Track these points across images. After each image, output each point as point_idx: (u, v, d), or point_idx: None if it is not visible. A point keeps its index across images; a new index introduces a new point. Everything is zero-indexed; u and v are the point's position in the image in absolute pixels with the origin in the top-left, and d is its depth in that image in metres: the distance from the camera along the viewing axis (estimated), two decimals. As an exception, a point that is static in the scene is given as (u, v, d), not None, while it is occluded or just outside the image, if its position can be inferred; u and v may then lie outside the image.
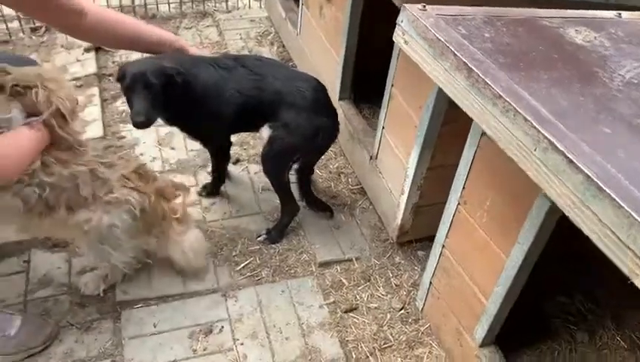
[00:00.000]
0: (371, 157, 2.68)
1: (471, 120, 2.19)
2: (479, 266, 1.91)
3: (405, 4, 1.45)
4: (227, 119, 2.39)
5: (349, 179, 2.96)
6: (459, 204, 1.94)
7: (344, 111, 2.92)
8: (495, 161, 1.73)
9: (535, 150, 1.10)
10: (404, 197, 2.39)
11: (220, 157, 2.68)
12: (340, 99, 2.91)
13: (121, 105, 3.31)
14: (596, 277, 2.50)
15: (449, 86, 1.33)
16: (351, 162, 2.97)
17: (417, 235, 2.61)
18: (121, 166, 2.08)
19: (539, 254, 1.70)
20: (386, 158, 2.54)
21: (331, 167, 3.02)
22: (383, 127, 2.50)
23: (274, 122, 2.35)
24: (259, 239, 2.60)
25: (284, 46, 3.86)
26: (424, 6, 1.43)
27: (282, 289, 2.42)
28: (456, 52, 1.29)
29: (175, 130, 3.09)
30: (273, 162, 2.42)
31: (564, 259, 2.32)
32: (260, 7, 4.34)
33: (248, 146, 3.12)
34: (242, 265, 2.50)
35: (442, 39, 1.32)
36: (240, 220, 2.71)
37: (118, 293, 2.30)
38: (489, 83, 1.19)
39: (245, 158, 3.04)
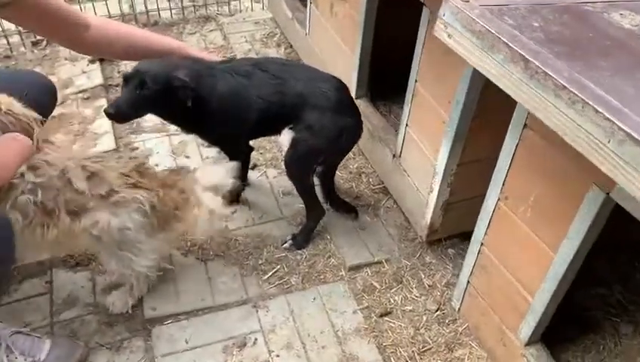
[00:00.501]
0: (394, 156, 2.62)
1: (503, 112, 2.14)
2: (523, 263, 1.85)
3: (447, -4, 1.39)
4: (248, 126, 2.33)
5: (370, 179, 2.90)
6: (499, 199, 1.87)
7: (362, 109, 2.83)
8: (539, 154, 1.67)
9: (609, 142, 1.04)
10: (434, 195, 2.32)
11: (241, 164, 2.61)
12: (357, 97, 2.85)
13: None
14: (632, 266, 2.45)
15: (503, 79, 1.26)
16: (371, 161, 2.91)
17: (447, 233, 2.55)
18: (119, 165, 1.96)
19: (589, 248, 1.64)
20: (410, 156, 2.47)
21: (351, 167, 2.96)
22: (407, 125, 2.44)
23: (297, 125, 2.29)
24: (284, 246, 2.54)
25: (291, 46, 3.79)
26: (468, -3, 1.37)
27: (313, 296, 2.36)
28: (509, 43, 1.22)
29: (188, 137, 3.06)
30: (298, 165, 2.35)
31: (596, 248, 2.27)
32: (263, 8, 4.27)
33: (264, 150, 3.05)
34: (270, 273, 2.43)
35: (493, 30, 1.26)
36: (263, 227, 2.65)
37: (146, 310, 2.24)
38: (550, 74, 1.13)
39: (262, 163, 2.98)
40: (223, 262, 2.47)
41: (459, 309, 2.29)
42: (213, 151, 3.01)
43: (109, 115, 2.14)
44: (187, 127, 2.42)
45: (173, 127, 3.04)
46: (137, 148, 3.03)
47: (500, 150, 2.24)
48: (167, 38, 2.32)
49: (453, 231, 2.56)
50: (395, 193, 2.71)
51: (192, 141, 3.10)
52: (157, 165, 2.92)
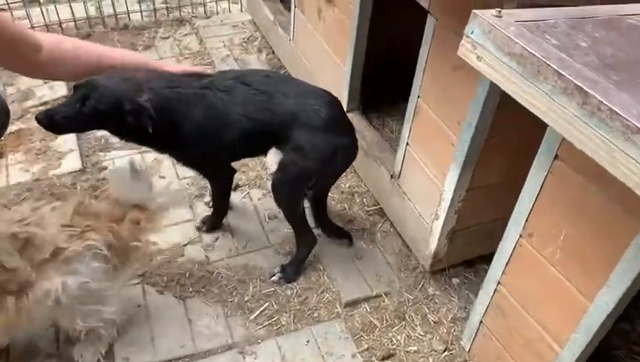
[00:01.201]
0: (392, 176, 2.38)
1: (518, 132, 1.91)
2: (550, 309, 1.63)
3: (477, 11, 1.14)
4: (229, 147, 2.07)
5: (365, 200, 2.66)
6: (521, 236, 1.65)
7: (355, 124, 2.58)
8: (572, 188, 1.44)
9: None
10: (439, 222, 2.09)
11: (223, 188, 2.35)
12: (349, 110, 2.60)
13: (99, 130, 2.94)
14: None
15: (551, 114, 1.02)
16: (365, 180, 2.67)
17: (451, 262, 2.32)
18: (54, 216, 1.69)
19: (632, 297, 1.42)
20: (412, 178, 2.24)
21: (343, 186, 2.71)
22: (407, 143, 2.20)
23: (285, 145, 2.04)
24: (273, 279, 2.28)
25: (273, 52, 3.53)
26: (499, 11, 1.12)
27: (307, 338, 2.11)
28: (560, 70, 0.98)
29: (163, 156, 2.77)
30: (287, 190, 2.10)
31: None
32: (242, 10, 3.99)
33: (247, 169, 2.78)
34: (257, 312, 2.18)
35: (537, 54, 1.02)
36: (248, 257, 2.39)
37: (118, 361, 1.96)
38: (617, 111, 0.89)
39: (246, 183, 2.71)
40: (204, 299, 2.21)
41: (469, 350, 2.06)
42: (190, 172, 2.72)
43: (39, 122, 1.88)
44: (157, 148, 2.15)
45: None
46: (106, 168, 2.74)
47: (512, 173, 2.03)
48: (125, 52, 2.05)
49: (457, 260, 2.34)
50: (394, 217, 2.47)
51: (167, 159, 2.79)
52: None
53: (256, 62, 3.51)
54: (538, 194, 1.54)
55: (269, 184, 2.70)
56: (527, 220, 1.60)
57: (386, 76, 2.86)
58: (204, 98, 1.98)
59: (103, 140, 2.89)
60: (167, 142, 2.01)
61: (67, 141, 2.83)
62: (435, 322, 2.19)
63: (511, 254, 1.71)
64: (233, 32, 3.77)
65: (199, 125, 1.99)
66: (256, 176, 2.74)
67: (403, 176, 2.29)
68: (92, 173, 2.70)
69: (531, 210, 1.58)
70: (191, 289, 2.24)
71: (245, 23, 3.86)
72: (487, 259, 2.40)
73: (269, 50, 3.56)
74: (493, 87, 1.66)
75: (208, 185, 2.65)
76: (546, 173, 1.49)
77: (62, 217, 1.70)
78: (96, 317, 1.82)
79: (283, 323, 2.15)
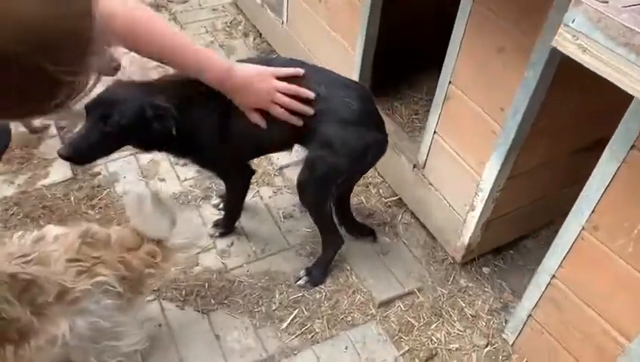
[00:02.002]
0: (415, 166, 2.26)
1: (564, 116, 1.82)
2: (618, 302, 1.56)
3: (580, -5, 1.02)
4: (252, 143, 1.91)
5: (381, 190, 2.53)
6: (583, 229, 1.56)
7: (367, 112, 2.46)
8: (651, 179, 1.36)
9: None
10: (475, 213, 1.99)
11: (240, 189, 2.18)
12: (359, 98, 2.44)
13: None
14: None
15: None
16: (381, 170, 2.54)
17: (482, 251, 2.24)
18: (59, 249, 1.48)
19: None
20: (440, 168, 2.12)
21: (356, 177, 2.57)
22: (435, 132, 2.07)
23: (311, 140, 1.88)
24: (299, 283, 2.15)
25: (261, 36, 3.32)
26: (606, -4, 1.00)
27: (345, 344, 1.99)
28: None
29: (160, 155, 2.58)
30: (314, 190, 1.95)
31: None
32: (220, -8, 3.74)
33: (253, 166, 2.60)
34: (288, 320, 2.04)
35: (667, 45, 0.90)
36: (269, 261, 2.24)
37: (147, 389, 1.80)
38: None
39: (253, 181, 2.52)
40: (229, 311, 2.06)
41: (513, 343, 1.99)
42: (191, 171, 2.55)
43: (65, 158, 1.70)
44: (177, 153, 1.98)
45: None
46: (99, 174, 2.52)
47: (552, 155, 1.96)
48: (201, 49, 1.72)
49: (488, 249, 2.25)
50: (417, 208, 2.36)
51: (164, 159, 2.61)
52: (125, 193, 2.43)
53: (243, 47, 3.31)
54: (608, 185, 1.44)
55: (278, 180, 2.56)
56: (593, 212, 1.51)
57: (388, 59, 2.71)
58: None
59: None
60: (188, 144, 1.83)
61: (53, 147, 2.58)
62: (472, 316, 2.11)
63: (570, 247, 1.62)
64: (214, 16, 3.54)
65: (219, 122, 1.82)
66: (263, 173, 2.57)
67: (429, 166, 2.17)
68: (85, 181, 2.47)
69: (598, 202, 1.49)
70: (213, 301, 2.08)
71: (225, 5, 3.62)
72: (512, 244, 2.35)
73: (256, 34, 3.35)
74: (546, 71, 1.56)
75: (214, 185, 2.49)
76: (619, 164, 1.40)
77: (68, 250, 1.49)
78: (112, 353, 1.64)
79: (317, 330, 2.02)
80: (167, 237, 1.66)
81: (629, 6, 1.02)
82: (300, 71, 1.80)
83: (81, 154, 1.70)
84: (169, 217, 1.68)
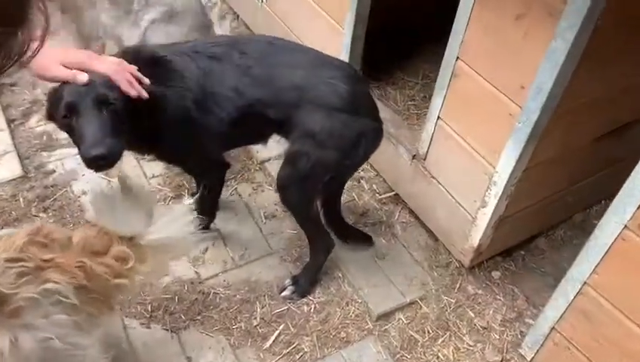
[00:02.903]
0: (414, 157, 1.99)
1: (591, 97, 1.56)
2: (667, 316, 1.30)
3: None
4: (221, 132, 1.62)
5: (374, 186, 2.26)
6: (625, 228, 1.30)
7: (358, 97, 2.18)
8: None
9: None
10: (488, 210, 1.73)
11: (212, 187, 1.89)
12: (349, 82, 2.16)
13: (38, 124, 2.40)
14: None
15: None
16: (374, 162, 2.26)
17: (491, 253, 1.97)
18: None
19: None
20: (445, 159, 1.85)
21: (347, 172, 2.29)
22: (439, 117, 1.80)
23: (292, 131, 1.61)
24: (284, 294, 1.87)
25: (238, 18, 3.02)
26: None
27: (338, 365, 1.71)
28: None
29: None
30: (297, 189, 1.67)
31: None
32: (193, -28, 3.42)
33: (230, 159, 2.29)
34: (271, 338, 1.76)
35: None
36: (248, 269, 1.95)
37: None
38: None
39: (230, 177, 2.24)
40: (202, 329, 1.78)
41: (532, 359, 1.73)
42: (159, 167, 2.24)
43: (100, 159, 1.37)
44: (140, 147, 1.69)
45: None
46: (54, 172, 2.21)
47: (572, 144, 1.70)
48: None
49: (498, 250, 1.99)
50: (417, 205, 2.09)
51: (127, 154, 2.29)
52: (84, 193, 2.13)
53: (219, 31, 2.99)
54: (661, 175, 1.18)
55: (259, 176, 2.27)
56: (638, 208, 1.25)
57: (380, 39, 2.43)
58: (186, 65, 1.51)
59: (45, 137, 2.35)
60: (152, 135, 1.54)
61: (0, 142, 2.26)
62: (483, 328, 1.85)
63: (607, 250, 1.36)
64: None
65: (180, 106, 1.54)
66: (242, 168, 2.28)
67: (431, 157, 1.90)
68: (37, 180, 2.17)
69: (646, 195, 1.22)
70: (184, 317, 1.80)
71: (200, -14, 3.31)
72: (523, 244, 2.09)
73: (233, 17, 3.06)
74: (578, 39, 1.30)
75: (185, 183, 2.20)
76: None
77: (8, 249, 1.21)
78: None
79: (305, 349, 1.75)
80: (141, 233, 1.36)
81: None
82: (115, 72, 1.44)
83: (113, 147, 1.38)
84: (144, 208, 1.38)
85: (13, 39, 0.57)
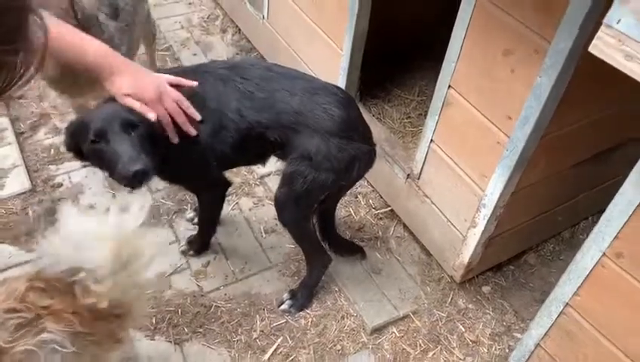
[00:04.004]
0: (408, 176, 2.06)
1: (572, 128, 1.64)
2: (642, 337, 1.38)
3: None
4: (223, 153, 1.70)
5: (371, 201, 2.34)
6: (604, 255, 1.38)
7: (355, 116, 2.26)
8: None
9: None
10: (477, 230, 1.81)
11: (213, 204, 1.97)
12: (347, 101, 2.24)
13: (45, 137, 2.47)
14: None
15: None
16: (370, 179, 2.34)
17: (481, 269, 2.05)
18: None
19: None
20: (437, 179, 1.93)
21: (344, 187, 2.37)
22: (432, 140, 1.88)
23: (290, 153, 1.68)
24: (282, 308, 1.95)
25: (240, 31, 3.09)
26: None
27: (334, 378, 1.80)
28: None
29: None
30: (294, 208, 1.75)
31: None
32: (196, -16, 3.50)
33: (231, 174, 2.37)
34: (270, 351, 1.84)
35: None
36: (248, 283, 2.04)
37: None
38: None
39: (232, 191, 2.32)
40: (205, 341, 1.86)
41: (518, 373, 1.81)
42: (162, 182, 2.31)
43: (140, 174, 1.45)
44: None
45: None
46: (61, 186, 2.28)
47: (555, 169, 1.78)
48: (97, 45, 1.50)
49: (488, 266, 2.07)
50: (411, 221, 2.17)
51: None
52: (91, 207, 2.21)
53: (220, 44, 3.08)
54: (635, 210, 1.26)
55: (259, 191, 2.35)
56: (615, 238, 1.33)
57: (376, 56, 2.51)
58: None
59: (52, 150, 2.42)
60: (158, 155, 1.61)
61: (9, 156, 2.34)
62: (473, 341, 1.93)
63: (588, 274, 1.44)
64: (190, 11, 3.30)
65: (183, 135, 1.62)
66: (242, 183, 2.36)
67: (424, 177, 1.98)
68: (45, 194, 2.24)
69: (623, 226, 1.30)
70: (186, 329, 1.87)
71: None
72: (513, 259, 2.17)
73: (234, 30, 3.13)
74: (562, 76, 1.37)
75: (188, 197, 2.28)
76: (649, 185, 1.21)
77: (9, 297, 1.18)
78: None
79: (303, 361, 1.83)
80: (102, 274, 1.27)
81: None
82: (193, 83, 1.58)
83: (148, 163, 1.46)
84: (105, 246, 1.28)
85: (16, 56, 0.59)
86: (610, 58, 0.86)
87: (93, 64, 1.45)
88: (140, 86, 1.49)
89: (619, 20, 0.83)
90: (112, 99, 1.52)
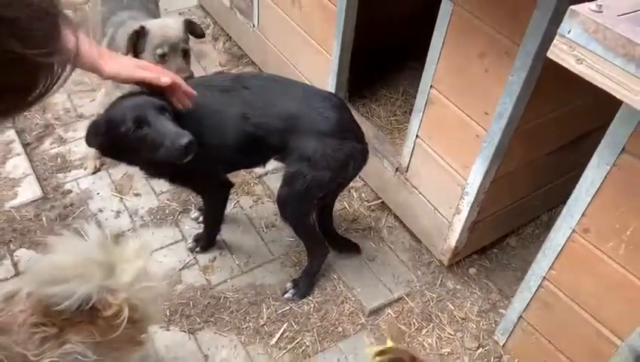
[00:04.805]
0: (397, 170, 2.23)
1: (545, 119, 1.82)
2: (609, 303, 1.57)
3: (575, 7, 0.99)
4: (228, 155, 1.86)
5: (363, 194, 2.50)
6: (574, 232, 1.56)
7: (345, 116, 2.42)
8: (642, 182, 1.36)
9: None
10: (462, 216, 1.98)
11: (218, 203, 2.12)
12: (337, 102, 2.40)
13: (51, 147, 2.60)
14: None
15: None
16: (362, 174, 2.48)
17: (468, 253, 2.23)
18: (24, 315, 1.26)
19: None
20: (424, 171, 2.10)
21: (337, 183, 2.54)
22: (417, 136, 2.05)
23: (289, 154, 1.84)
24: (286, 296, 2.11)
25: (231, 39, 3.24)
26: (600, 6, 0.98)
27: (337, 356, 1.96)
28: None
29: (132, 169, 2.50)
30: (295, 205, 1.90)
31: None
32: (185, -5, 3.63)
33: (231, 175, 2.54)
34: (277, 335, 2.00)
35: (668, 57, 0.89)
36: (253, 275, 2.19)
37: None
38: None
39: (233, 191, 2.46)
40: (216, 329, 2.01)
41: (504, 344, 1.99)
42: (167, 184, 2.45)
43: (190, 145, 1.58)
44: (153, 170, 1.91)
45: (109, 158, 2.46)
46: (70, 192, 2.42)
47: (530, 157, 1.96)
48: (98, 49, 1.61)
49: (473, 250, 2.25)
50: (401, 211, 2.34)
51: (137, 173, 2.52)
52: (100, 211, 2.35)
53: (213, 52, 3.23)
54: (598, 188, 1.44)
55: (257, 189, 2.50)
56: (583, 215, 1.51)
57: (363, 59, 2.67)
58: (200, 94, 1.74)
59: (59, 159, 2.55)
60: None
61: (19, 165, 2.47)
62: (462, 318, 2.11)
63: (561, 250, 1.62)
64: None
65: (199, 121, 1.76)
66: (242, 182, 2.51)
67: (412, 170, 2.15)
68: (56, 200, 2.38)
69: (589, 204, 1.48)
70: (199, 319, 2.02)
71: (192, 9, 3.53)
72: (496, 243, 2.35)
73: (225, 38, 3.27)
74: (530, 76, 1.55)
75: (192, 198, 2.43)
76: (609, 167, 1.39)
77: (34, 311, 1.25)
78: None
79: (307, 343, 1.99)
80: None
81: (625, 14, 1.00)
82: (178, 81, 1.66)
83: (192, 136, 1.59)
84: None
85: (53, 57, 0.61)
86: (564, 62, 1.03)
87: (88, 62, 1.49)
88: (136, 61, 1.63)
89: (569, 30, 1.01)
90: (126, 95, 1.66)
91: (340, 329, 2.04)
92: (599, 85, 1.01)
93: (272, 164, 2.36)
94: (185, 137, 1.57)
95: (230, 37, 3.23)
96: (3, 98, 0.61)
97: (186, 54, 2.09)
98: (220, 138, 1.82)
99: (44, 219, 2.29)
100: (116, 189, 2.45)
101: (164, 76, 1.60)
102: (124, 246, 1.43)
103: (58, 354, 1.25)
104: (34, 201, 2.35)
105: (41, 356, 1.23)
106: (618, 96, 0.99)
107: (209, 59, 3.16)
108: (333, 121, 1.81)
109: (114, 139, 1.64)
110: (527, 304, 1.81)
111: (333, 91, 2.40)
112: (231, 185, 2.09)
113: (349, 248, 2.25)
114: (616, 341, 1.58)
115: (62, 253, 1.36)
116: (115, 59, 1.58)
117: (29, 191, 2.39)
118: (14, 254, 2.15)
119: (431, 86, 1.89)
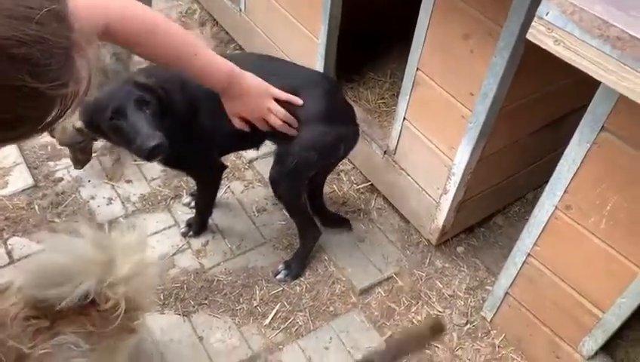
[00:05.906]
0: (385, 152, 2.27)
1: (529, 99, 1.86)
2: (591, 277, 1.62)
3: (551, -12, 1.03)
4: (221, 136, 1.88)
5: (352, 177, 2.54)
6: (556, 208, 1.60)
7: (333, 100, 2.45)
8: (620, 160, 1.40)
9: None
10: (449, 196, 2.03)
11: (211, 187, 2.15)
12: (324, 86, 2.42)
13: (41, 136, 2.60)
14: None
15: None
16: (351, 157, 2.53)
17: (455, 232, 2.28)
18: (17, 308, 1.28)
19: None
20: (411, 153, 2.14)
21: (327, 166, 2.57)
22: (405, 118, 2.08)
23: (282, 137, 1.87)
24: (278, 278, 2.15)
25: (217, 24, 3.25)
26: (576, -13, 1.01)
27: (329, 335, 2.01)
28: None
29: (123, 156, 2.53)
30: (288, 184, 1.94)
31: None
32: (172, -21, 3.62)
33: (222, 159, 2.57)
34: (270, 316, 2.05)
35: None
36: (246, 258, 2.23)
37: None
38: None
39: (223, 176, 2.48)
40: (210, 311, 2.05)
41: (491, 320, 2.05)
42: (158, 170, 2.49)
43: (156, 148, 1.61)
44: None
45: (99, 145, 2.48)
46: (62, 180, 2.44)
47: (515, 137, 2.00)
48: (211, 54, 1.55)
49: (460, 228, 2.30)
50: (389, 193, 2.38)
51: (127, 158, 2.54)
52: (92, 198, 2.37)
53: (200, 37, 3.22)
54: (579, 166, 1.48)
55: (248, 174, 2.53)
56: (565, 192, 1.55)
57: (350, 43, 2.69)
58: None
59: (49, 147, 2.56)
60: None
61: (9, 155, 2.48)
62: (450, 296, 2.16)
63: (544, 226, 1.67)
64: (167, 6, 3.43)
65: (191, 101, 1.79)
66: (233, 167, 2.54)
67: (400, 152, 2.19)
68: (47, 188, 2.39)
69: (570, 182, 1.53)
70: (193, 302, 2.06)
71: (179, -6, 3.52)
72: (483, 222, 2.40)
73: (213, 23, 3.27)
74: (513, 56, 1.58)
75: (183, 183, 2.45)
76: (589, 145, 1.43)
77: (27, 304, 1.28)
78: None
79: (300, 323, 2.04)
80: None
81: (600, -4, 1.03)
82: (299, 101, 1.74)
83: (162, 138, 1.62)
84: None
85: (66, 88, 0.63)
86: (543, 43, 1.07)
87: (220, 83, 1.56)
88: (248, 109, 1.66)
89: (547, 13, 1.04)
90: (126, 81, 1.68)
91: (331, 308, 2.08)
92: (577, 66, 1.05)
93: (262, 150, 2.41)
94: (153, 140, 1.59)
95: (217, 22, 3.23)
96: (17, 128, 0.64)
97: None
98: (213, 120, 1.84)
99: (36, 207, 2.30)
100: (107, 176, 2.47)
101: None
102: (122, 238, 1.43)
103: (51, 345, 1.28)
104: (25, 190, 2.36)
105: (34, 348, 1.26)
106: (595, 76, 1.03)
107: (197, 45, 3.15)
108: (325, 103, 1.83)
109: (98, 122, 1.69)
110: (513, 280, 1.87)
111: (320, 75, 2.42)
112: (224, 167, 2.12)
113: (341, 223, 2.29)
114: (598, 313, 1.64)
115: (58, 253, 1.36)
116: (235, 101, 1.64)
117: (20, 179, 2.40)
118: (7, 242, 2.17)
119: (417, 68, 1.92)
